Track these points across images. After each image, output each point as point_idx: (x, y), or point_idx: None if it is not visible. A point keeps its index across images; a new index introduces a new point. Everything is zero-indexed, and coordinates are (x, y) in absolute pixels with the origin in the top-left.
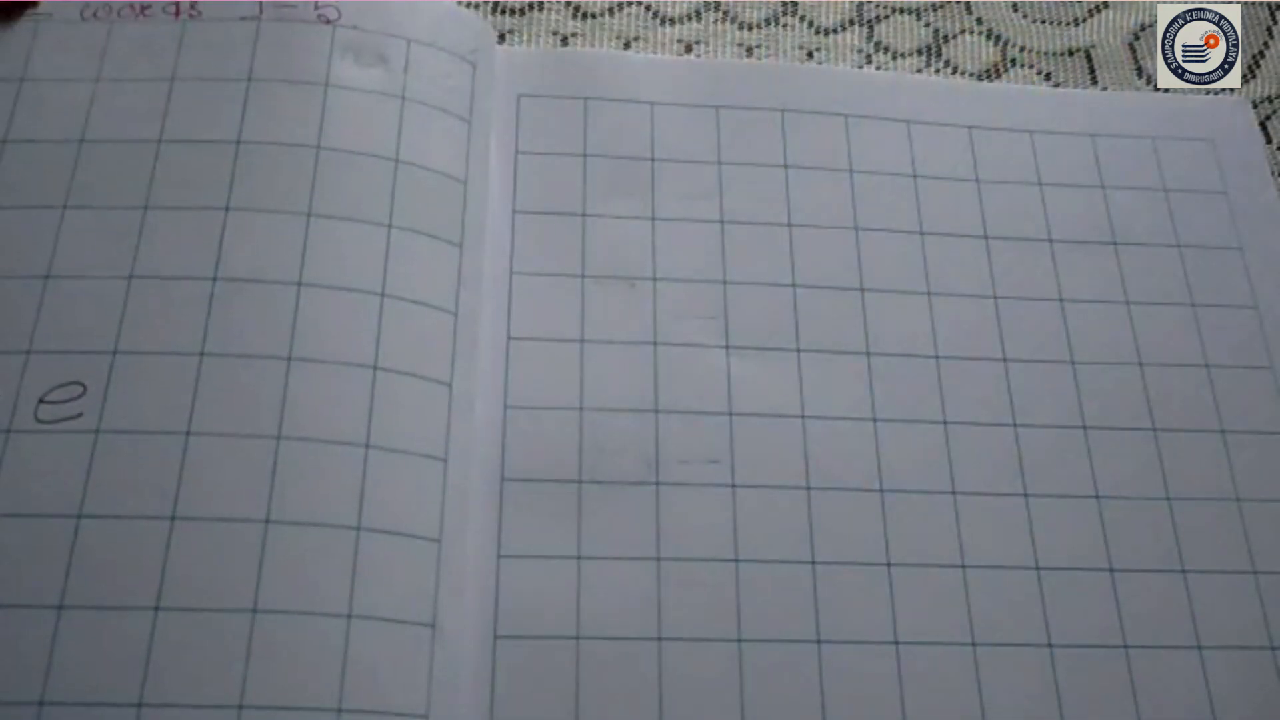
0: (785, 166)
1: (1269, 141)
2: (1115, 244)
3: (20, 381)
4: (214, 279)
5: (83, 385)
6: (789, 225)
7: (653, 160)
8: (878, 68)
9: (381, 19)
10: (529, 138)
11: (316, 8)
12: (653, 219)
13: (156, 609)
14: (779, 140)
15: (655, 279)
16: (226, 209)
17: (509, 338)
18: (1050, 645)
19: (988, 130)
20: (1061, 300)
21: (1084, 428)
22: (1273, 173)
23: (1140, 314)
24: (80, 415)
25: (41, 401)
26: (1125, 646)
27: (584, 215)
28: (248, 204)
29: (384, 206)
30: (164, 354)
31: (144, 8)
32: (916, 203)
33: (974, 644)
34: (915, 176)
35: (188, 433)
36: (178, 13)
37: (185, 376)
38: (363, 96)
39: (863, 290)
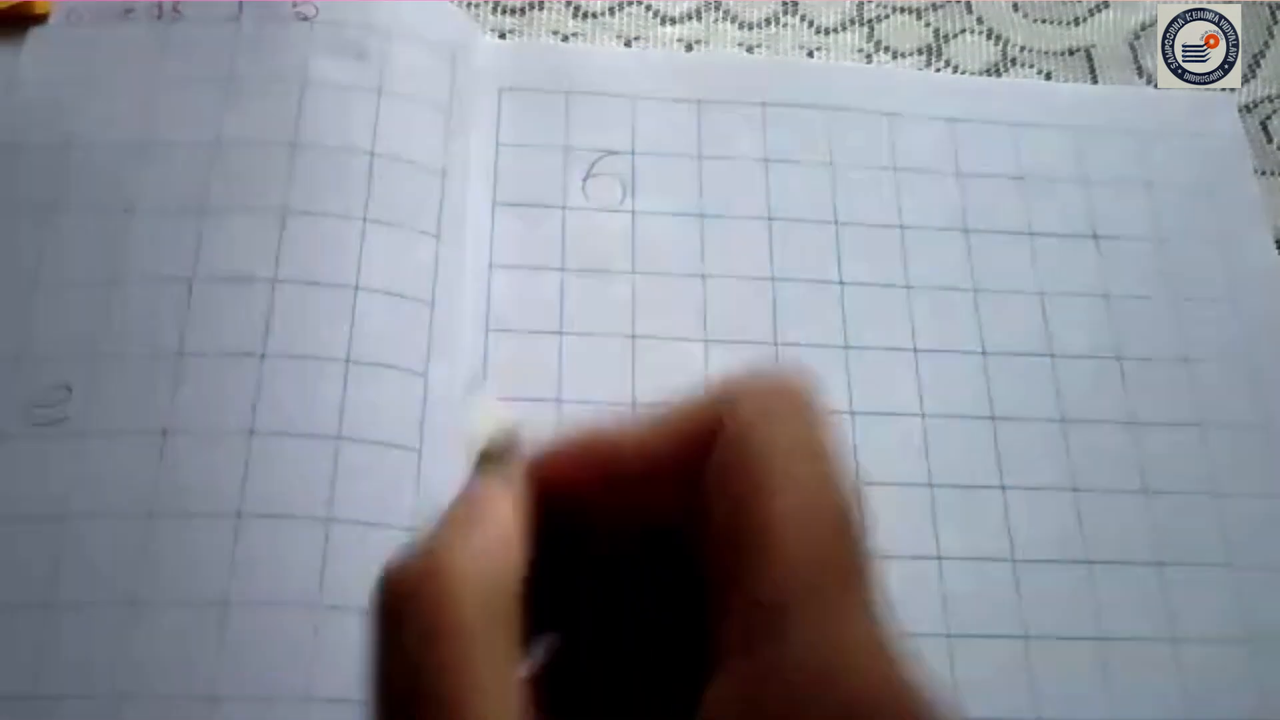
0: (766, 160)
1: (1269, 141)
2: (1096, 238)
3: (12, 387)
4: (192, 279)
5: (69, 389)
6: (769, 219)
7: (633, 154)
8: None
9: (359, 14)
10: (510, 131)
11: (294, 5)
12: (633, 213)
13: (134, 603)
14: (759, 134)
15: (634, 272)
16: (204, 209)
17: (488, 329)
18: (1026, 637)
19: (970, 124)
20: (1041, 294)
21: (1062, 421)
22: (1273, 173)
23: (1120, 307)
24: (67, 418)
25: (32, 406)
26: (1099, 639)
27: (564, 208)
28: (225, 204)
29: (358, 199)
30: (144, 355)
31: (127, 10)
32: (897, 196)
33: (948, 635)
34: (896, 170)
35: (164, 431)
36: (160, 14)
37: (164, 377)
38: (339, 92)
39: (842, 284)
